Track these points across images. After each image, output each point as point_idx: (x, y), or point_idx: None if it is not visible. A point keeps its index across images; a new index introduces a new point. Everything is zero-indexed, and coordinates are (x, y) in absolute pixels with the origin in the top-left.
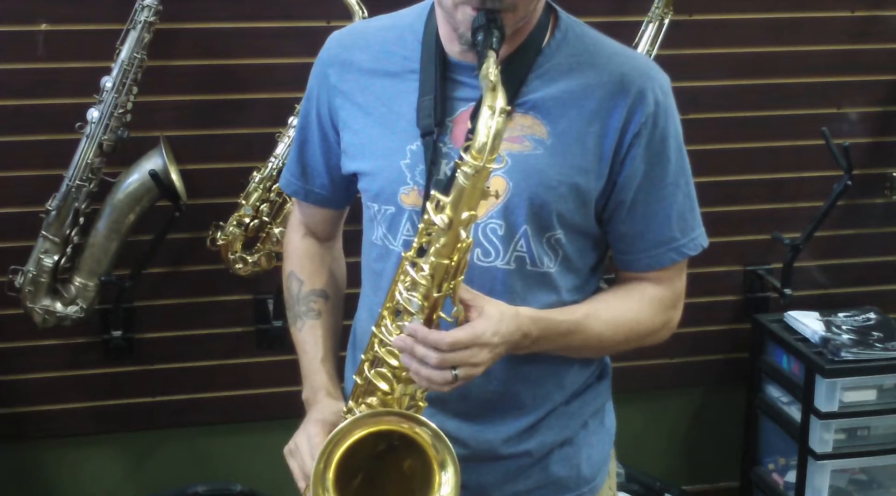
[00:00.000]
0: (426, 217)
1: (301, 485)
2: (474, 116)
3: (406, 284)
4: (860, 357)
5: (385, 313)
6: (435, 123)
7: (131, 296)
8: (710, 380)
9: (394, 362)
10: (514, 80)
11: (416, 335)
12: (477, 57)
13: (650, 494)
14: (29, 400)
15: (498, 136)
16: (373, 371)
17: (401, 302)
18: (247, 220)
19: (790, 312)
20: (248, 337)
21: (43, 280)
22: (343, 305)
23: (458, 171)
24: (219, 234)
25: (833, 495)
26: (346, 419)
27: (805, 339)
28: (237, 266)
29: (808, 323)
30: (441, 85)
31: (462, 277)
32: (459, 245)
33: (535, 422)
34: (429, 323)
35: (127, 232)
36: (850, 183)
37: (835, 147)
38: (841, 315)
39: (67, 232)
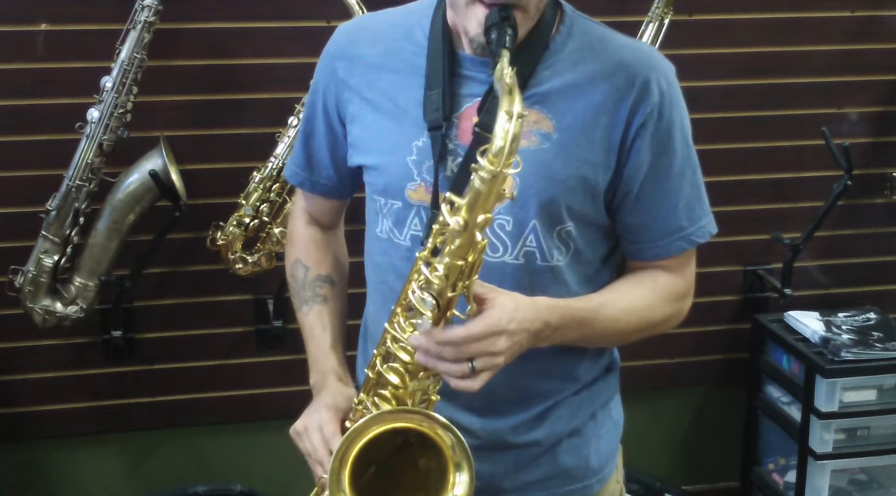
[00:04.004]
0: (441, 219)
1: (317, 470)
2: (481, 110)
3: (420, 283)
4: (860, 357)
5: (398, 310)
6: (444, 117)
7: (131, 296)
8: (710, 380)
9: (405, 358)
10: (522, 74)
11: (431, 335)
12: (490, 56)
13: (650, 494)
14: (29, 400)
15: (515, 140)
16: (384, 366)
17: (414, 301)
18: (247, 220)
19: (790, 312)
20: (247, 337)
21: (43, 280)
22: (347, 291)
23: (475, 175)
24: (219, 234)
25: (833, 495)
26: (364, 416)
27: (805, 339)
28: (237, 266)
29: (808, 323)
30: (449, 80)
31: (476, 276)
32: (474, 246)
33: (543, 412)
34: (442, 320)
35: (127, 232)
36: (850, 183)
37: (835, 147)
38: (841, 315)
39: (67, 232)
